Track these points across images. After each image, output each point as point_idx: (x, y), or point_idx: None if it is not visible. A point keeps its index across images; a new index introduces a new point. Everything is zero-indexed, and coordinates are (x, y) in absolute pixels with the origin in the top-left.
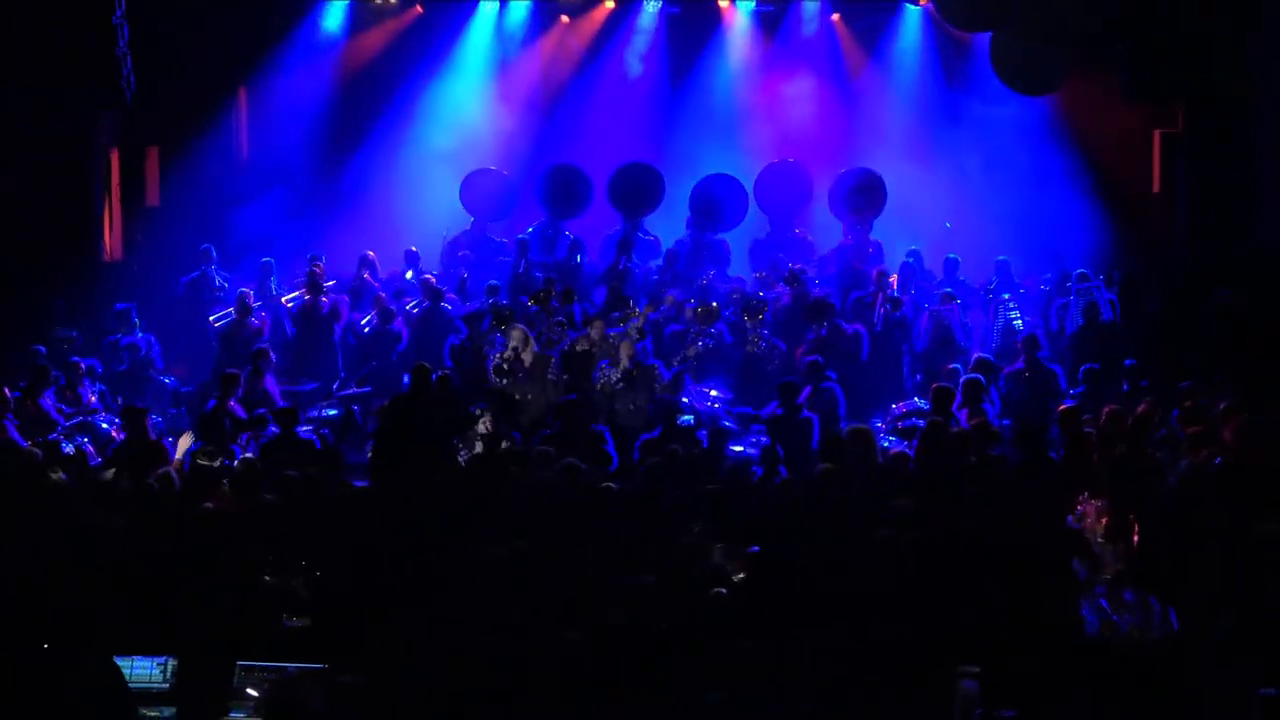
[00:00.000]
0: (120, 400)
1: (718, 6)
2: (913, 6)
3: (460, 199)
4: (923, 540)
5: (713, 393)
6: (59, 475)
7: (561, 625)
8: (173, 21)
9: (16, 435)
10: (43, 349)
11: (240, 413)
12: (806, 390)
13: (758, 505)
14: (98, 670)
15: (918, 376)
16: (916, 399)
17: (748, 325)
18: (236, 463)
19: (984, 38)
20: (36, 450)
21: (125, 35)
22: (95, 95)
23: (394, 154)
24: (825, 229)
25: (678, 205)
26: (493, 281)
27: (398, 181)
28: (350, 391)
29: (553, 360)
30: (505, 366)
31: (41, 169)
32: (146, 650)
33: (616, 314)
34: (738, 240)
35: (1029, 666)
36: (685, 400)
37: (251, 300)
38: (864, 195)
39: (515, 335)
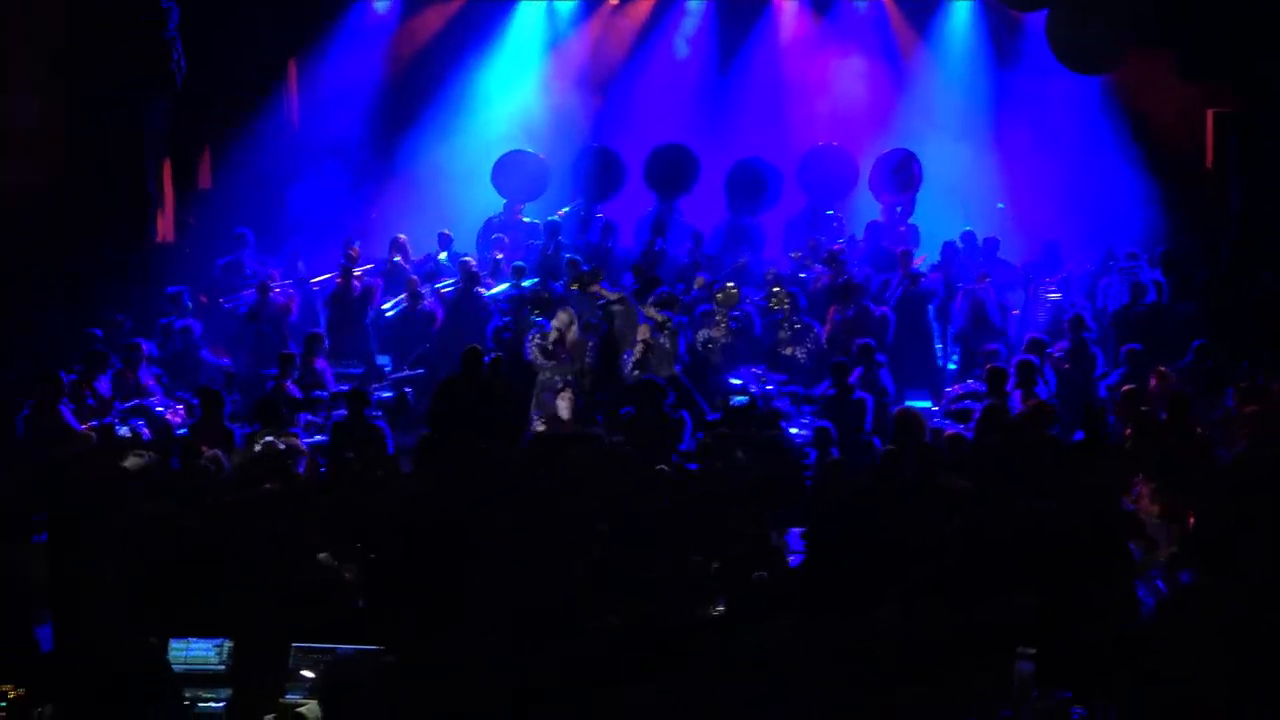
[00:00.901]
0: (168, 383)
1: None
2: None
3: (492, 181)
4: (980, 522)
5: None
6: (141, 457)
7: (610, 610)
8: (222, 3)
9: (72, 419)
10: (99, 333)
11: (296, 394)
12: (858, 371)
13: (812, 486)
14: (141, 652)
15: (955, 357)
16: (970, 380)
17: (775, 309)
18: (280, 445)
19: (1035, 16)
20: (91, 434)
21: (175, 19)
22: (146, 79)
23: (443, 136)
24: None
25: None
26: (519, 263)
27: (447, 163)
28: (403, 374)
29: (590, 344)
30: (549, 348)
31: (93, 154)
32: (203, 632)
33: (653, 296)
34: (773, 223)
35: (1084, 648)
36: (738, 382)
37: (274, 282)
38: (897, 175)
39: (561, 317)
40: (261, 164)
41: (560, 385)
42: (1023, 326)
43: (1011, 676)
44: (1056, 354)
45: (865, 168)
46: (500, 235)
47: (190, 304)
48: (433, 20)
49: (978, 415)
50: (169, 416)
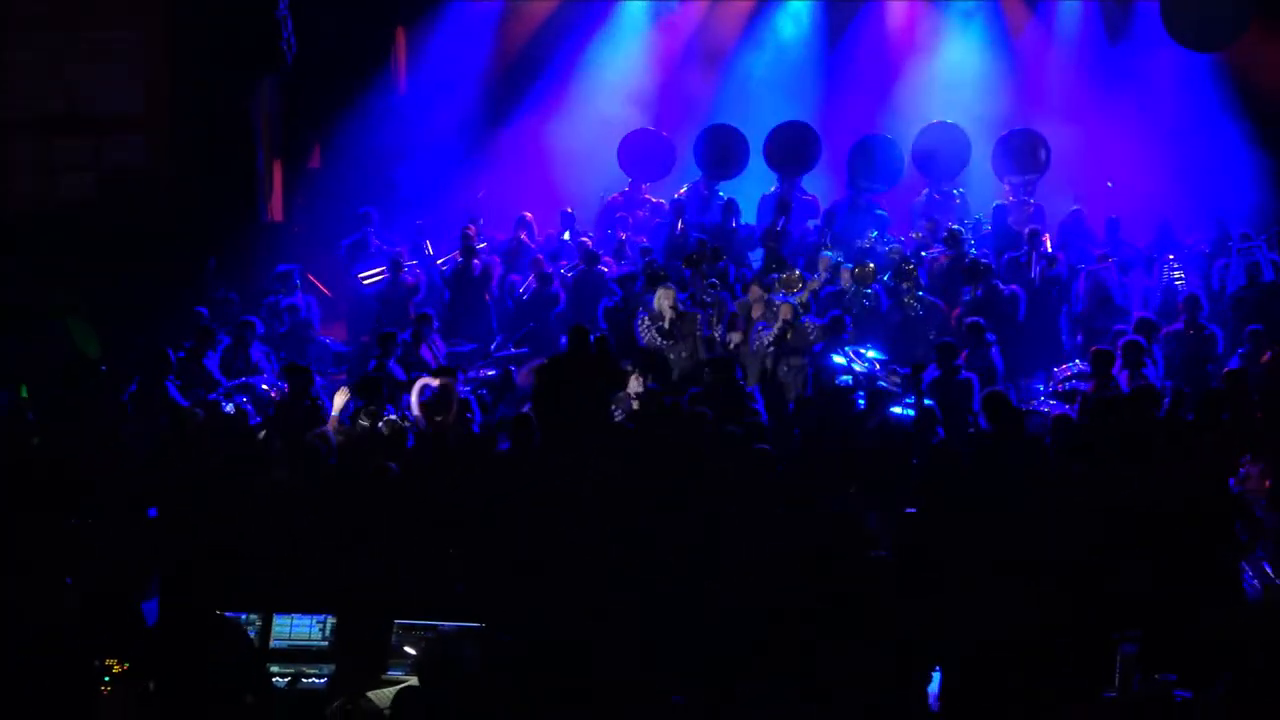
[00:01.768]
0: (278, 361)
1: None
2: None
3: (618, 160)
4: (1087, 503)
5: (870, 353)
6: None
7: (712, 586)
8: None
9: (178, 395)
10: (205, 311)
11: (399, 374)
12: (965, 352)
13: (916, 467)
14: (225, 630)
15: (1078, 338)
16: (1077, 360)
17: (903, 287)
18: (383, 424)
19: None
20: (198, 410)
21: None
22: (257, 58)
23: (553, 112)
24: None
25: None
26: (646, 244)
27: (556, 140)
28: (508, 352)
29: (699, 317)
30: (666, 328)
31: (203, 133)
32: (306, 609)
33: (775, 276)
34: (897, 201)
35: (1189, 631)
36: (842, 361)
37: (404, 260)
38: (1026, 156)
39: (661, 295)
40: (371, 143)
41: (628, 366)
42: (1144, 307)
43: (1115, 659)
44: (1172, 334)
45: (979, 147)
46: (623, 214)
47: (299, 282)
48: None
49: (1082, 397)
50: (273, 394)
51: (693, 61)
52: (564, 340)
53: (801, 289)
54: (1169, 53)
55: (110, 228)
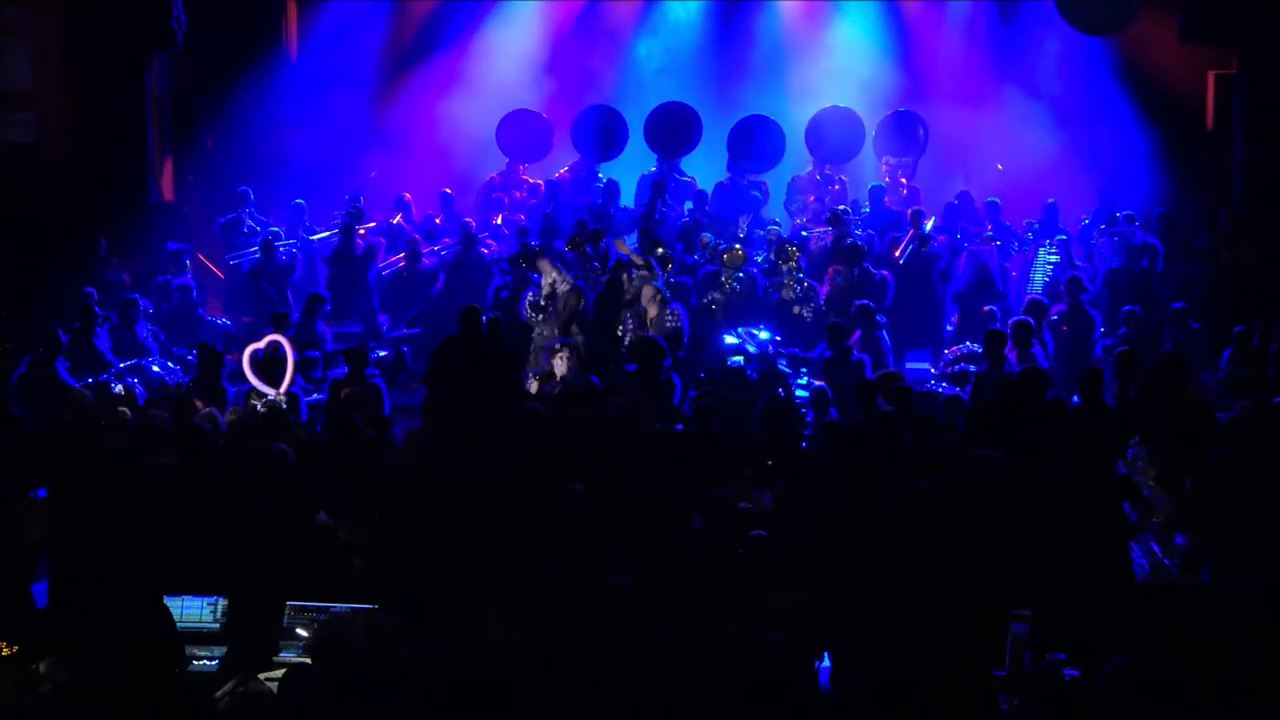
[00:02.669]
0: (163, 340)
1: None
2: None
3: (496, 140)
4: (975, 485)
5: (763, 334)
6: (125, 414)
7: (613, 567)
8: None
9: (68, 376)
10: (93, 291)
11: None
12: (857, 333)
13: (808, 448)
14: (147, 609)
15: (954, 318)
16: (968, 343)
17: (782, 269)
18: (262, 405)
19: None
20: (87, 391)
21: None
22: (148, 36)
23: (445, 91)
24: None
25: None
26: (523, 223)
27: (447, 119)
28: (400, 333)
29: (584, 302)
30: (542, 304)
31: (95, 111)
32: (197, 590)
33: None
34: (775, 181)
35: (1079, 610)
36: (735, 341)
37: (280, 239)
38: (904, 136)
39: (547, 271)
40: (261, 121)
41: (557, 344)
42: (1020, 289)
43: (1006, 638)
44: (1055, 316)
45: (869, 129)
46: (500, 194)
47: (189, 262)
48: None
49: (974, 378)
50: (164, 376)
51: (586, 42)
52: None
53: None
54: (1063, 36)
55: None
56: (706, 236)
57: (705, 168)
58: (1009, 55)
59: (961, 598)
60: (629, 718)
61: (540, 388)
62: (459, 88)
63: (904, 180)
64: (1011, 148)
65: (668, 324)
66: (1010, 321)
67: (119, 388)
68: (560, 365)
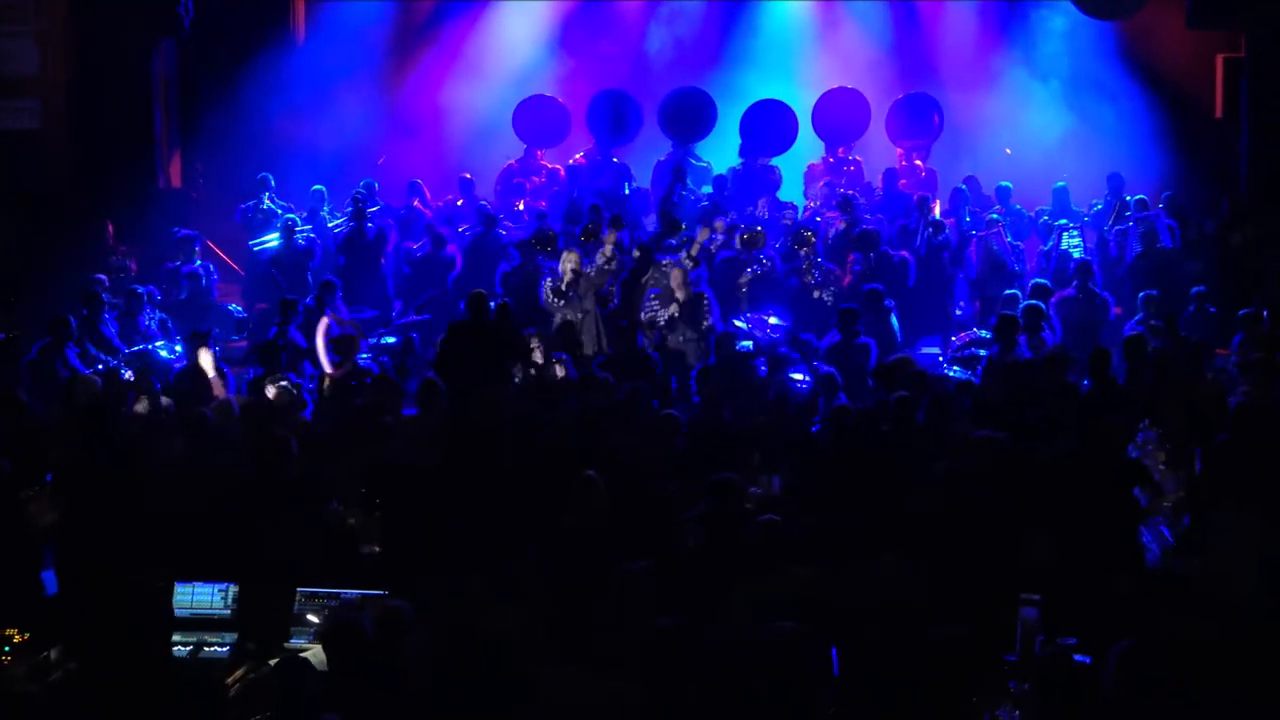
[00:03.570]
0: (172, 328)
1: None
2: None
3: (513, 126)
4: (986, 468)
5: (771, 320)
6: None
7: (625, 551)
8: None
9: (78, 363)
10: (104, 278)
11: (300, 341)
12: (864, 318)
13: (817, 433)
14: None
15: (975, 304)
16: (976, 329)
17: (800, 253)
18: (275, 391)
19: None
20: (96, 378)
21: None
22: (155, 21)
23: (449, 76)
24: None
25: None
26: (542, 207)
27: (451, 104)
28: (409, 319)
29: (604, 285)
30: (562, 289)
31: (100, 98)
32: (208, 577)
33: (674, 241)
34: (792, 167)
35: (1090, 595)
36: (744, 327)
37: (297, 225)
38: (918, 120)
39: (568, 259)
40: (270, 106)
41: (533, 332)
42: (1036, 273)
43: (1016, 623)
44: (1065, 300)
45: (878, 113)
46: (520, 180)
47: (198, 249)
48: None
49: (984, 362)
50: (172, 362)
51: (596, 26)
52: (463, 306)
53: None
54: (1072, 19)
55: (6, 192)
56: (722, 222)
57: (718, 153)
58: (1016, 37)
59: (971, 582)
60: (639, 706)
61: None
62: (468, 72)
63: (919, 163)
64: (1019, 131)
65: (695, 308)
66: (1020, 306)
67: (129, 373)
68: (538, 355)
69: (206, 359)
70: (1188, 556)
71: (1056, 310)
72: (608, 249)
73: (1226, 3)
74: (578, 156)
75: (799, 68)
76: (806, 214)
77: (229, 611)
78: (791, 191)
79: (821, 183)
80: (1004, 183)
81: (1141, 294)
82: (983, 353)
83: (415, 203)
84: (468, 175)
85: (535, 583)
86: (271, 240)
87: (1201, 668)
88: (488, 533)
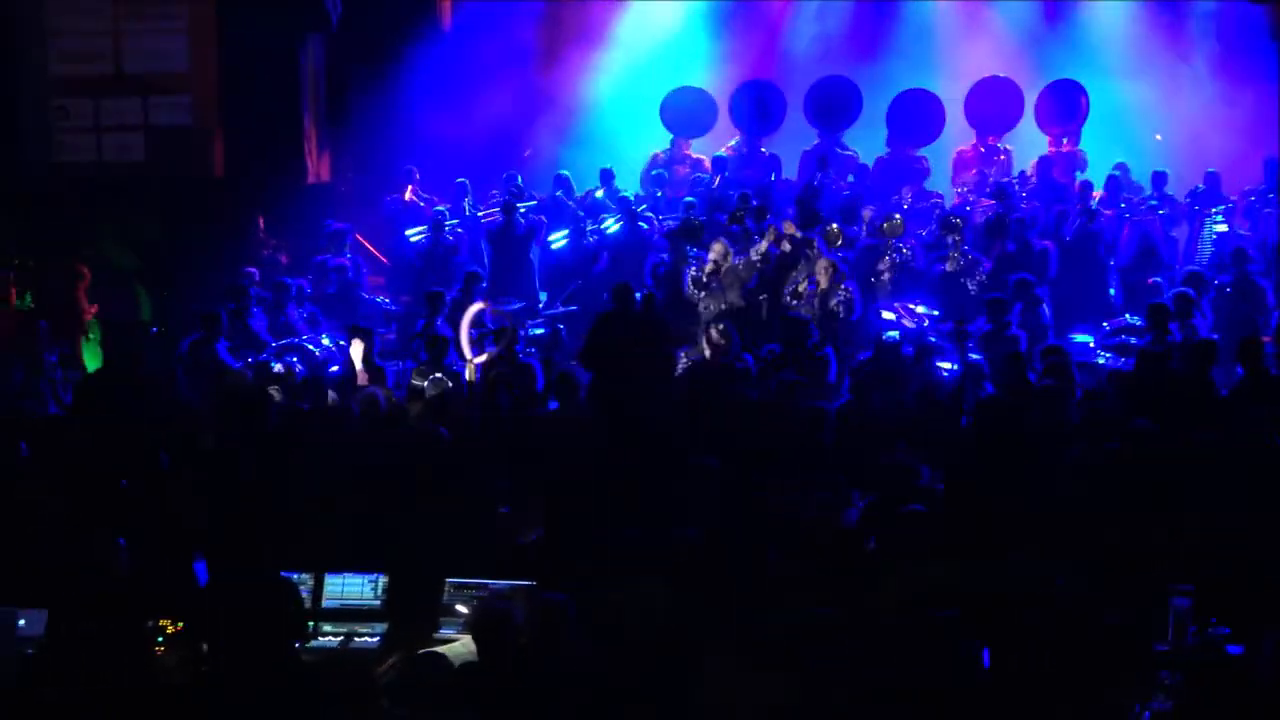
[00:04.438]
0: (320, 321)
1: None
2: None
3: (660, 117)
4: (1139, 456)
5: (919, 308)
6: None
7: (764, 541)
8: None
9: (228, 356)
10: (255, 272)
11: (447, 332)
12: (1018, 307)
13: (966, 423)
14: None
15: (1122, 291)
16: (1127, 315)
17: (948, 241)
18: (428, 384)
19: None
20: (246, 371)
21: None
22: (303, 16)
23: (596, 69)
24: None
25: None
26: (689, 198)
27: (600, 97)
28: (556, 310)
29: (752, 278)
30: (704, 279)
31: (251, 92)
32: (358, 567)
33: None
34: (937, 157)
35: (1243, 584)
36: (891, 317)
37: (446, 219)
38: (1066, 106)
39: (716, 248)
40: (416, 98)
41: (716, 323)
42: (1186, 260)
43: (1168, 612)
44: (1221, 287)
45: (1029, 102)
46: (662, 171)
47: (350, 242)
48: None
49: (1138, 352)
50: (325, 355)
51: (739, 16)
52: (606, 297)
53: (841, 243)
54: (1220, 2)
55: (157, 189)
56: (869, 211)
57: (867, 143)
58: (1163, 21)
59: (1122, 571)
60: (799, 698)
61: (692, 362)
62: (613, 64)
63: (1071, 148)
64: (1169, 117)
65: (839, 298)
66: (1170, 293)
67: (278, 366)
68: (718, 340)
69: (357, 351)
70: None
71: (1213, 298)
72: (763, 245)
73: None
74: (728, 146)
75: (943, 59)
76: (956, 202)
77: (379, 602)
78: (938, 182)
79: (973, 170)
80: (1160, 168)
81: None
82: (1133, 340)
83: (559, 194)
84: (609, 167)
85: (696, 573)
86: (419, 233)
87: None
88: (642, 524)
